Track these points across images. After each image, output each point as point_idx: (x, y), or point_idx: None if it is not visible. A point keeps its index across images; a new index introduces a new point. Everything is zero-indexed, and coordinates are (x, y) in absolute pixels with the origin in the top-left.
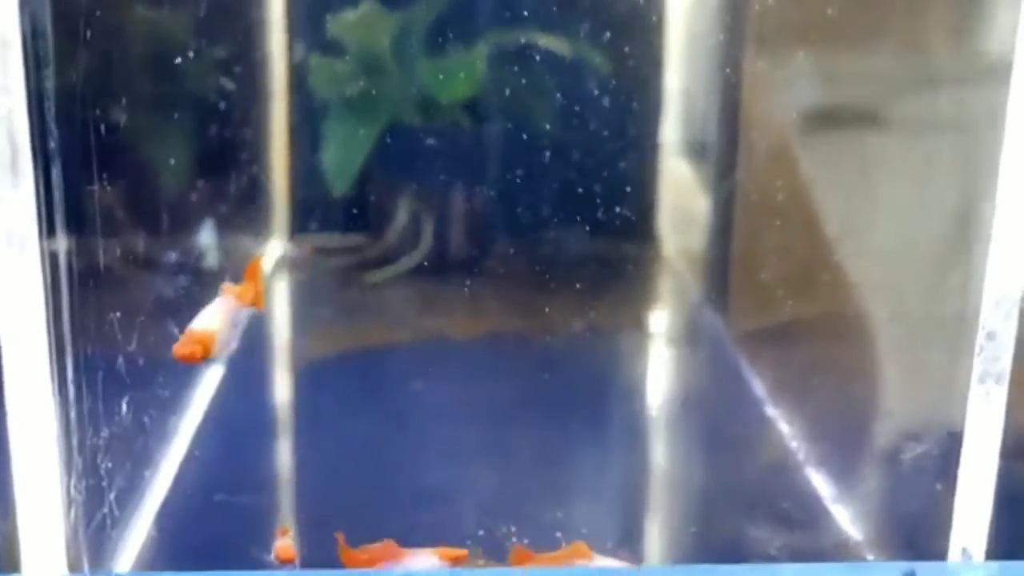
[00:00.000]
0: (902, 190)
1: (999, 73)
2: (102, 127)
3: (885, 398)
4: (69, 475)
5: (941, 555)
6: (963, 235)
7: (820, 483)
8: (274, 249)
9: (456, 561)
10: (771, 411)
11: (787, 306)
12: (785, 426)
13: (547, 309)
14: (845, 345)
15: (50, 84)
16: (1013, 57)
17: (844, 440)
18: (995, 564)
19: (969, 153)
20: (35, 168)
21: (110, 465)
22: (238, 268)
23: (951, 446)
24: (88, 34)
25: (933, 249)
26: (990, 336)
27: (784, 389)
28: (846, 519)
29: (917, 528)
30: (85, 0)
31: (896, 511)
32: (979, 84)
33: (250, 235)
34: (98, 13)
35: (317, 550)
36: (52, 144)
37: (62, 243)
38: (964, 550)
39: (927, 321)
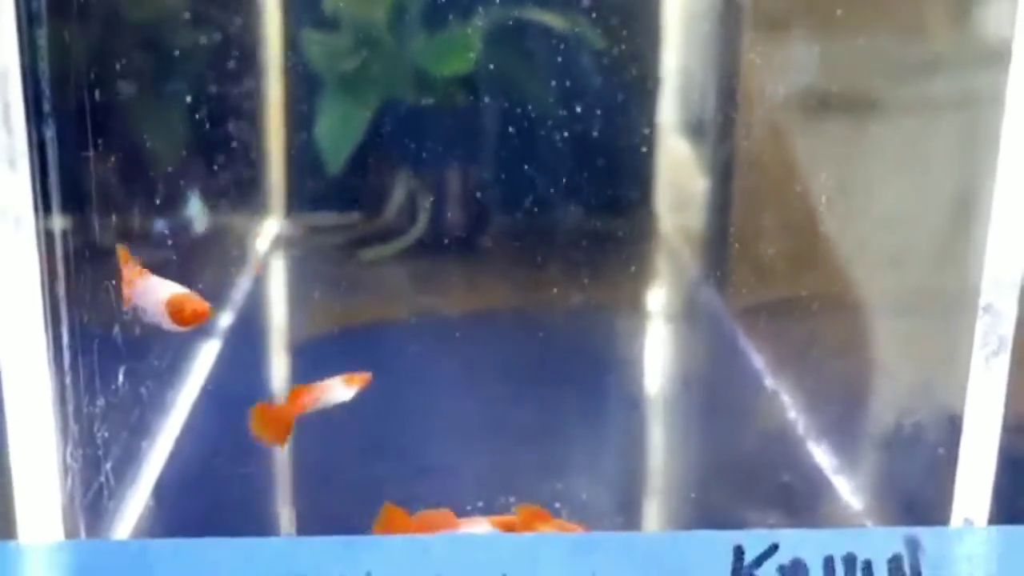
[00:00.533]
0: (898, 168)
1: (999, 55)
2: (96, 97)
3: (886, 371)
4: (65, 443)
5: (944, 524)
6: (961, 213)
7: (822, 454)
8: (270, 227)
9: (508, 528)
10: (772, 384)
11: (787, 281)
12: (787, 398)
13: (545, 286)
14: (846, 319)
15: (44, 58)
16: (1012, 39)
17: (845, 412)
18: (995, 528)
19: (967, 133)
20: (29, 131)
21: (106, 435)
22: (233, 243)
23: (952, 418)
24: (82, 12)
25: (930, 225)
26: (989, 307)
27: (784, 363)
28: (847, 490)
29: (919, 498)
30: None
31: (897, 482)
32: (979, 65)
33: (245, 212)
34: None
35: (312, 519)
36: (47, 110)
37: (58, 218)
38: (966, 519)
39: (927, 294)
